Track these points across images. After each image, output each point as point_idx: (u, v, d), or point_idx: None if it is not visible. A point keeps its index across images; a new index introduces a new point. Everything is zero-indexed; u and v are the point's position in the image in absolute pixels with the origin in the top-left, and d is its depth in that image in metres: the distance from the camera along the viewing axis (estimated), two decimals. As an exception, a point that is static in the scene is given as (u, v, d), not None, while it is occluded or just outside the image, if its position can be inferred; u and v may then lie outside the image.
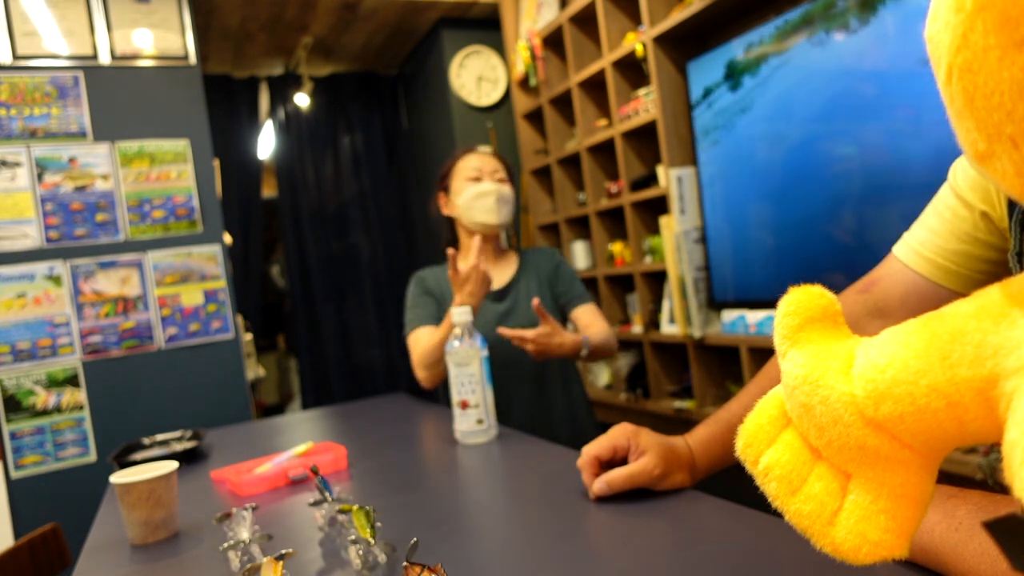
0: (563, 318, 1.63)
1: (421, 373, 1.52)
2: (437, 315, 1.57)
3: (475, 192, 1.55)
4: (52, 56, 2.32)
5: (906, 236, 0.71)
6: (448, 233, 1.67)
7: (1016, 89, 0.24)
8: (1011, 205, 0.59)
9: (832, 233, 1.79)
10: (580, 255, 2.89)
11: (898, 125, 1.59)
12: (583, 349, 1.43)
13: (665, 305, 2.42)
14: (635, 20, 2.47)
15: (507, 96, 3.26)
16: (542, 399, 1.57)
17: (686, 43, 2.27)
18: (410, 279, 1.66)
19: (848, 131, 1.71)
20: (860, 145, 1.69)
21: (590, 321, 1.58)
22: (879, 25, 1.60)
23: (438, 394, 1.71)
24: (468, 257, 1.36)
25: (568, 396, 1.61)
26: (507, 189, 1.58)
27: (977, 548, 0.47)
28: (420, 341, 1.53)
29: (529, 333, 1.34)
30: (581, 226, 2.95)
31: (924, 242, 0.68)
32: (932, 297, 0.68)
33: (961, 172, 0.64)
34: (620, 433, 0.83)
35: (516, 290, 1.60)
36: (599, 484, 0.80)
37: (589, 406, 1.66)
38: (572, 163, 2.93)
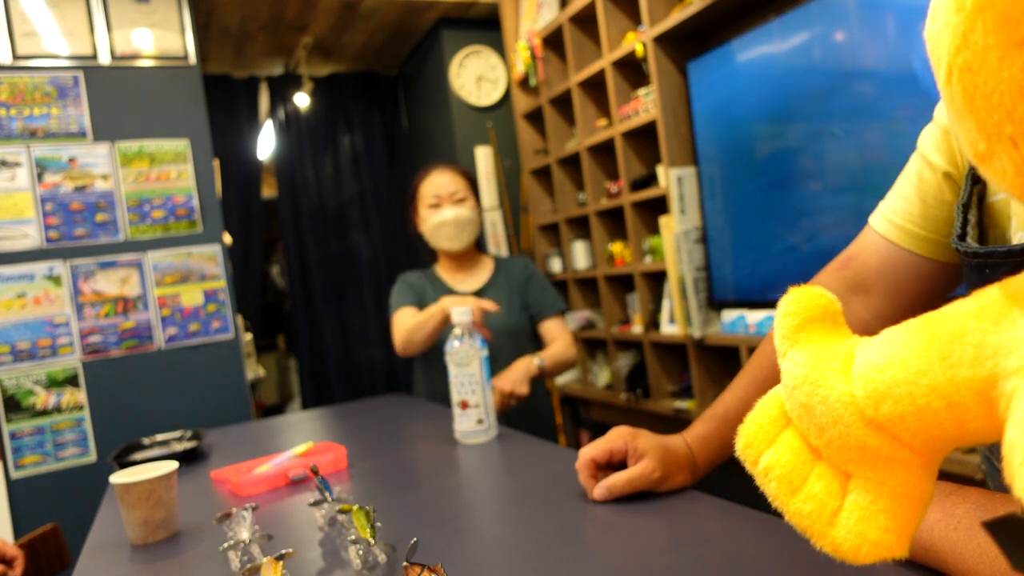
0: (533, 327, 1.74)
1: (400, 345, 1.61)
2: (419, 305, 1.69)
3: (436, 222, 1.65)
4: (52, 56, 2.32)
5: (881, 205, 0.71)
6: (429, 245, 1.77)
7: (1016, 89, 0.24)
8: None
9: (832, 232, 1.79)
10: (580, 255, 2.89)
11: (899, 124, 1.59)
12: (538, 372, 1.54)
13: (665, 305, 2.42)
14: (635, 20, 2.47)
15: (507, 96, 3.26)
16: None
17: (686, 43, 2.27)
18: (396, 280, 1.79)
19: (849, 130, 1.71)
20: (861, 144, 1.68)
21: (556, 336, 1.69)
22: (877, 24, 1.60)
23: (414, 389, 1.82)
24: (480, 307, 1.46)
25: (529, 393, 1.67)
26: (465, 211, 1.65)
27: (976, 547, 0.47)
28: (404, 319, 1.64)
29: (506, 388, 1.45)
30: (581, 226, 2.95)
31: (896, 209, 0.68)
32: (907, 267, 0.68)
33: (928, 134, 0.64)
34: (617, 436, 0.83)
35: (485, 298, 1.67)
36: (599, 490, 0.80)
37: (549, 402, 1.77)
38: (572, 163, 2.93)
